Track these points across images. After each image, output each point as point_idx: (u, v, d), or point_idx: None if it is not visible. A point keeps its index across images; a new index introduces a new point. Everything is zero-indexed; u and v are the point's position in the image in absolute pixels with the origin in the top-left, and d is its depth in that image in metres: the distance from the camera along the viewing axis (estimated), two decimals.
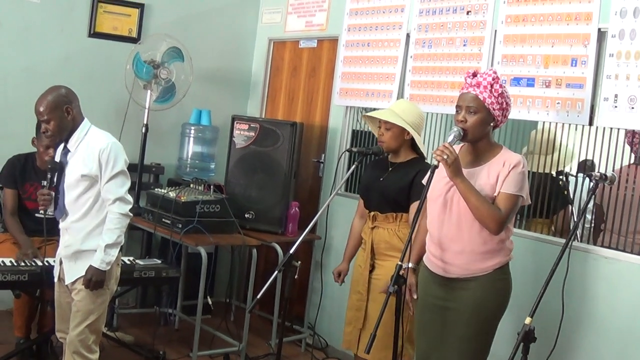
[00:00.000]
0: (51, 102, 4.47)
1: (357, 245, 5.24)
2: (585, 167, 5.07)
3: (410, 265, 4.60)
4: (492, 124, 4.09)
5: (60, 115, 4.47)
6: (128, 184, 4.59)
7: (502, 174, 4.01)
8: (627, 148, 4.87)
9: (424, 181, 4.17)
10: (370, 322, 4.83)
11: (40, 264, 5.30)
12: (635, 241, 4.75)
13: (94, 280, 4.45)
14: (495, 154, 4.11)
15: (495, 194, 4.01)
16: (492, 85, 4.01)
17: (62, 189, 4.57)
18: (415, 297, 4.53)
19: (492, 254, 4.08)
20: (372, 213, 5.00)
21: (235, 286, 7.58)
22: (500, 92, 4.03)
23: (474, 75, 4.09)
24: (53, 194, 4.60)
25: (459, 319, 4.14)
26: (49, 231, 4.85)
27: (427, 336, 4.33)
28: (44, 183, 5.60)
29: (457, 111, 4.10)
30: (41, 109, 4.47)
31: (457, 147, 4.26)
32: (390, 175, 4.96)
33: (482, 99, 4.01)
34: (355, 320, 5.03)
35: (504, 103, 4.07)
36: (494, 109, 4.02)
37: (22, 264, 5.30)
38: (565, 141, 5.23)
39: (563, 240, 4.81)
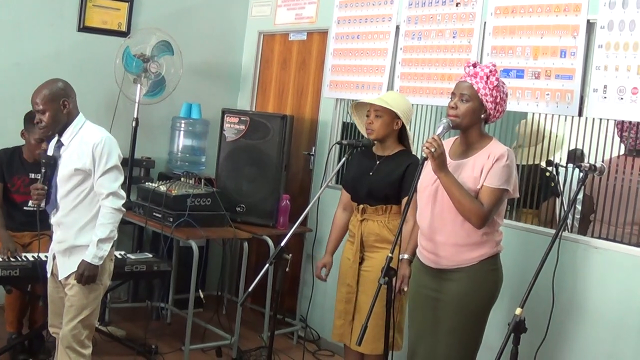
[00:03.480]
0: (48, 94, 4.46)
1: (341, 237, 5.26)
2: (575, 156, 5.08)
3: (406, 256, 4.63)
4: (483, 116, 4.09)
5: (56, 108, 4.46)
6: (121, 179, 4.59)
7: (485, 167, 4.02)
8: (617, 139, 4.89)
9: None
10: (361, 314, 4.83)
11: (31, 259, 5.30)
12: (625, 231, 4.77)
13: (87, 275, 4.44)
14: (483, 146, 4.11)
15: (479, 187, 4.02)
16: (488, 77, 4.04)
17: (55, 183, 4.56)
18: (405, 289, 4.55)
19: (477, 246, 4.09)
20: (361, 206, 4.99)
21: (227, 279, 7.58)
22: (495, 84, 4.05)
23: (474, 65, 4.13)
24: (47, 188, 4.58)
25: (446, 310, 4.16)
26: (36, 226, 4.86)
27: (416, 326, 4.36)
28: (32, 176, 5.62)
29: (451, 98, 4.13)
30: (37, 100, 4.46)
31: (451, 140, 4.28)
32: (379, 169, 4.95)
33: (476, 88, 4.04)
34: (345, 313, 5.03)
35: (498, 97, 4.08)
36: (486, 101, 4.04)
37: (6, 259, 5.29)
38: (555, 129, 5.24)
39: (552, 231, 4.84)
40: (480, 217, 3.97)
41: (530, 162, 5.35)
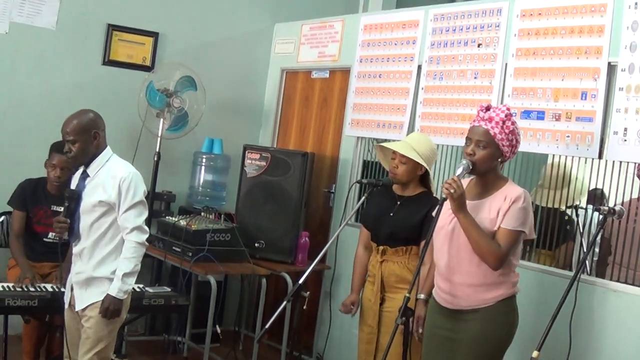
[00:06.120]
0: (79, 125, 4.50)
1: (364, 275, 5.21)
2: (595, 196, 5.07)
3: (422, 296, 4.61)
4: (500, 159, 4.11)
5: (86, 139, 4.50)
6: (146, 214, 4.63)
7: (502, 209, 4.02)
8: (637, 181, 4.87)
9: (434, 214, 4.18)
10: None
11: (49, 289, 5.32)
12: None
13: (112, 309, 4.46)
14: (499, 188, 4.12)
15: (495, 229, 4.03)
16: (504, 122, 4.03)
17: (79, 214, 4.59)
18: (420, 330, 4.53)
19: (493, 286, 4.08)
20: (380, 247, 4.99)
21: (245, 315, 7.57)
22: (511, 129, 4.05)
23: (487, 109, 4.11)
24: (69, 222, 4.61)
25: (461, 350, 4.14)
26: (56, 257, 4.89)
27: None
28: (54, 208, 5.66)
29: (466, 143, 4.12)
30: (68, 130, 4.49)
31: (466, 180, 4.28)
32: (401, 211, 4.95)
33: (492, 134, 4.02)
34: (366, 354, 5.01)
35: (514, 140, 4.09)
36: (503, 145, 4.04)
37: (19, 288, 5.30)
38: (576, 174, 5.23)
39: (568, 272, 4.84)
40: (497, 258, 3.97)
41: (551, 205, 5.32)
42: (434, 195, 5.03)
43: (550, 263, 5.24)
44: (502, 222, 4.01)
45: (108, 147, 4.65)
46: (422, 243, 4.77)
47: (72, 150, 4.52)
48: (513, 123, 4.07)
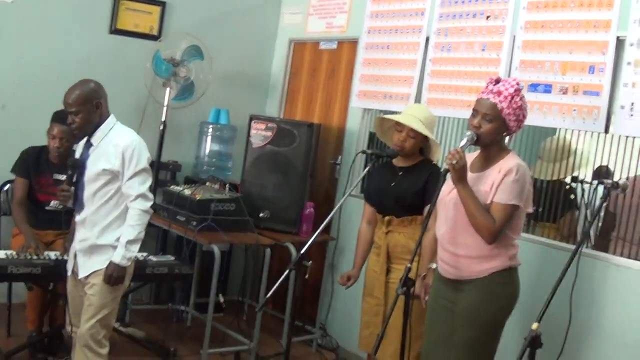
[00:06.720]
0: (81, 95, 4.50)
1: (368, 251, 5.22)
2: (601, 173, 5.05)
3: (434, 266, 4.58)
4: (505, 133, 4.09)
5: (89, 109, 4.51)
6: (150, 181, 4.64)
7: (495, 182, 4.01)
8: None
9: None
10: (389, 327, 4.81)
11: (53, 257, 5.32)
12: None
13: (115, 276, 4.50)
14: (499, 160, 4.10)
15: (488, 202, 4.02)
16: (512, 97, 4.00)
17: (83, 182, 4.59)
18: (427, 298, 4.53)
19: (488, 258, 4.08)
20: (386, 218, 4.99)
21: (249, 285, 7.58)
22: (519, 104, 4.02)
23: (497, 82, 4.08)
24: (73, 189, 4.62)
25: (458, 321, 4.16)
26: (60, 225, 4.91)
27: (432, 335, 4.36)
28: (56, 176, 5.67)
29: (472, 114, 4.10)
30: (70, 101, 4.50)
31: (474, 153, 4.27)
32: (403, 180, 4.96)
33: (500, 108, 4.00)
34: (372, 325, 5.02)
35: (521, 115, 4.07)
36: (510, 120, 4.02)
37: (22, 256, 5.30)
38: (581, 146, 5.21)
39: (570, 246, 4.84)
40: (491, 232, 3.97)
41: (554, 178, 5.32)
42: (435, 164, 5.04)
43: (555, 236, 5.23)
44: (494, 196, 4.01)
45: (112, 116, 4.66)
46: (426, 209, 4.76)
47: (76, 121, 4.53)
48: (522, 98, 4.05)
